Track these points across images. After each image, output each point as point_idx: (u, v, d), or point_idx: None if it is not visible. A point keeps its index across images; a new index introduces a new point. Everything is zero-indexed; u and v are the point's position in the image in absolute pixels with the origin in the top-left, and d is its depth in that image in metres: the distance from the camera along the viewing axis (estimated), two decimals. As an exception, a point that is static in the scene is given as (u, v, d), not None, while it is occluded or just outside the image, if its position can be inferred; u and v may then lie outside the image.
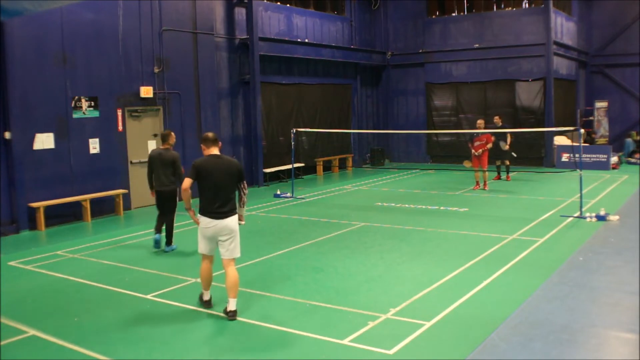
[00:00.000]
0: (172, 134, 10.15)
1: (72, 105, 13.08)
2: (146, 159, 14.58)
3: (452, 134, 22.17)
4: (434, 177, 19.44)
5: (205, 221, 6.82)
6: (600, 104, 24.51)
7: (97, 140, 13.55)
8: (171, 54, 15.22)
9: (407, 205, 13.95)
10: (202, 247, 6.98)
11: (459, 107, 23.10)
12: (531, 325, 6.24)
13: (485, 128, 16.23)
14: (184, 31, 15.57)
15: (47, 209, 12.45)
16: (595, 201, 13.60)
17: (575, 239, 10.07)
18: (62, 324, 6.76)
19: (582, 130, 17.08)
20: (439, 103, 23.63)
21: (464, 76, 22.92)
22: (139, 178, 14.64)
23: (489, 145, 15.80)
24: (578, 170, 12.43)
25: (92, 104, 13.47)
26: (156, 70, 14.84)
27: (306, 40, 20.32)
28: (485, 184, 16.15)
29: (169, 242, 10.11)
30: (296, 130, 16.44)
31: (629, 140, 23.19)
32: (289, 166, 17.66)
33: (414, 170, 21.02)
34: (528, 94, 21.65)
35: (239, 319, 6.68)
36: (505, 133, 16.85)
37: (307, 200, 15.26)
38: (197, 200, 7.08)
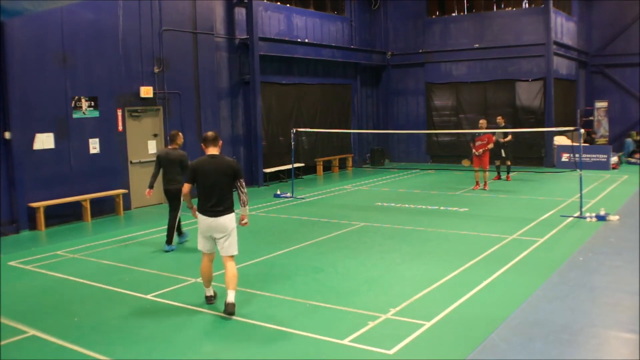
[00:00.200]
0: (180, 134, 10.30)
1: (72, 105, 13.09)
2: (146, 159, 14.79)
3: (452, 134, 22.18)
4: (434, 177, 19.44)
5: (201, 219, 6.99)
6: (600, 104, 24.51)
7: (97, 140, 13.55)
8: (171, 54, 15.23)
9: (407, 205, 13.95)
10: (201, 245, 7.15)
11: (459, 107, 23.10)
12: (531, 325, 6.24)
13: (487, 128, 16.21)
14: (184, 31, 15.57)
15: (47, 209, 12.45)
16: (595, 201, 13.60)
17: (575, 239, 10.07)
18: (62, 324, 6.75)
19: (582, 130, 17.08)
20: (439, 103, 23.62)
21: (464, 76, 22.92)
22: (139, 178, 14.65)
23: (490, 146, 15.80)
24: (578, 170, 12.43)
25: (92, 104, 13.47)
26: (156, 70, 14.84)
27: (306, 40, 20.32)
28: (485, 184, 16.15)
29: (169, 241, 10.12)
30: (296, 130, 16.44)
31: (629, 140, 23.19)
32: (289, 166, 17.66)
33: (414, 170, 21.02)
34: (528, 94, 21.64)
35: (239, 318, 6.68)
36: (504, 134, 16.87)
37: (307, 200, 15.26)
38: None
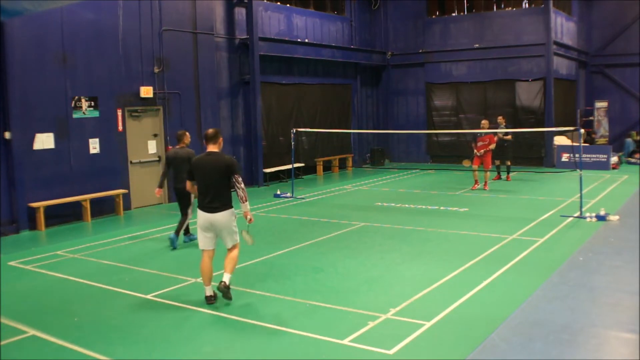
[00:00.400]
0: (187, 133, 10.52)
1: (72, 105, 13.09)
2: (146, 159, 14.81)
3: (452, 134, 22.17)
4: (434, 177, 19.44)
5: (199, 214, 7.20)
6: (600, 104, 24.50)
7: (97, 140, 13.55)
8: (171, 54, 15.22)
9: (407, 205, 13.95)
10: (201, 242, 7.29)
11: (459, 107, 23.10)
12: (531, 325, 6.24)
13: (489, 128, 16.20)
14: (184, 31, 15.57)
15: (47, 209, 12.45)
16: (595, 201, 13.60)
17: (575, 239, 10.07)
18: (62, 324, 6.76)
19: (582, 130, 17.08)
20: (439, 103, 23.62)
21: (464, 76, 22.92)
22: (139, 178, 14.67)
23: (492, 146, 15.80)
24: (578, 170, 12.43)
25: (92, 104, 13.47)
26: (156, 70, 14.84)
27: (306, 40, 20.32)
28: (485, 184, 16.15)
29: (177, 232, 10.29)
30: (296, 130, 16.43)
31: (629, 140, 23.19)
32: (289, 166, 17.66)
33: (414, 170, 21.02)
34: (528, 94, 21.64)
35: (239, 318, 6.69)
36: (505, 133, 16.87)
37: (307, 200, 15.26)
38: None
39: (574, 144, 17.18)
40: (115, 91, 13.94)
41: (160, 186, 10.38)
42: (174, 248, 10.19)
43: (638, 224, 11.00)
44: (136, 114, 14.65)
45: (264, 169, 18.36)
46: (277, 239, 10.71)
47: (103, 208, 13.66)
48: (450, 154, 22.84)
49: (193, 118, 15.86)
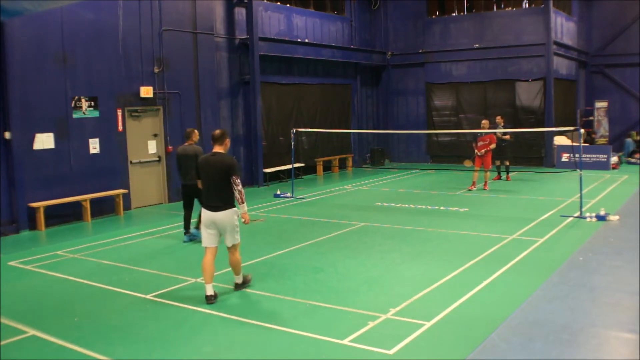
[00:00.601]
0: (196, 131, 10.74)
1: (72, 105, 13.08)
2: (146, 159, 14.82)
3: (452, 134, 22.17)
4: (434, 177, 19.44)
5: (203, 212, 7.46)
6: (600, 104, 24.51)
7: (97, 140, 13.55)
8: (171, 54, 15.22)
9: (407, 205, 13.94)
10: (204, 240, 7.46)
11: (459, 107, 23.10)
12: (531, 325, 6.24)
13: (489, 128, 16.21)
14: (184, 31, 15.57)
15: (47, 209, 12.45)
16: (595, 201, 13.60)
17: (575, 239, 10.07)
18: (62, 324, 6.76)
19: (582, 130, 17.08)
20: (439, 103, 23.62)
21: (464, 76, 22.92)
22: (139, 178, 14.67)
23: (493, 146, 15.80)
24: (578, 170, 12.43)
25: (92, 104, 13.47)
26: (156, 70, 14.84)
27: (306, 40, 20.32)
28: (485, 184, 16.16)
29: (198, 226, 10.49)
30: (296, 130, 16.43)
31: (629, 140, 23.19)
32: (289, 166, 17.66)
33: (414, 170, 21.02)
34: (528, 94, 21.64)
35: (239, 318, 6.69)
36: (503, 133, 16.88)
37: (307, 200, 15.26)
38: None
39: (574, 144, 17.18)
40: (115, 91, 13.94)
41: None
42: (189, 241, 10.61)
43: (638, 224, 11.00)
44: (136, 114, 14.64)
45: (264, 169, 18.36)
46: (277, 239, 10.71)
47: (103, 208, 13.65)
48: (450, 154, 22.84)
49: (193, 118, 15.85)
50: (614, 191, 15.26)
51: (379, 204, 14.38)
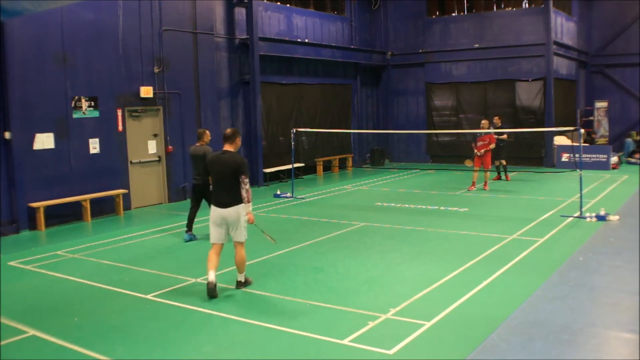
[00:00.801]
0: (207, 132, 10.90)
1: (72, 105, 13.08)
2: (146, 159, 14.85)
3: (452, 134, 22.17)
4: (434, 177, 19.44)
5: (212, 209, 7.63)
6: (600, 104, 24.50)
7: (97, 140, 13.55)
8: (171, 54, 15.22)
9: (407, 205, 13.94)
10: (212, 236, 7.63)
11: (459, 107, 23.10)
12: (531, 325, 6.24)
13: (488, 128, 16.22)
14: (184, 31, 15.57)
15: (47, 209, 12.44)
16: (595, 201, 13.60)
17: (575, 239, 10.07)
18: (62, 324, 6.76)
19: (582, 130, 17.07)
20: (439, 103, 23.62)
21: (464, 76, 22.92)
22: (139, 178, 14.66)
23: (492, 146, 15.80)
24: (578, 170, 12.43)
25: (92, 104, 13.47)
26: (156, 70, 14.84)
27: (306, 40, 20.32)
28: (485, 184, 16.16)
29: (187, 229, 10.80)
30: (296, 130, 16.43)
31: (629, 140, 23.19)
32: (289, 166, 17.66)
33: (414, 170, 21.02)
34: (528, 94, 21.64)
35: (239, 318, 6.69)
36: (500, 133, 16.88)
37: (307, 200, 15.26)
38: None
39: (574, 144, 17.18)
40: (115, 91, 13.94)
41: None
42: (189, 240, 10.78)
43: (638, 224, 11.00)
44: (136, 114, 14.64)
45: (264, 169, 18.36)
46: (277, 239, 10.66)
47: (103, 208, 13.65)
48: (450, 154, 22.84)
49: (193, 118, 15.85)
50: (614, 191, 15.26)
51: (379, 204, 14.38)
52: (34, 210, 12.29)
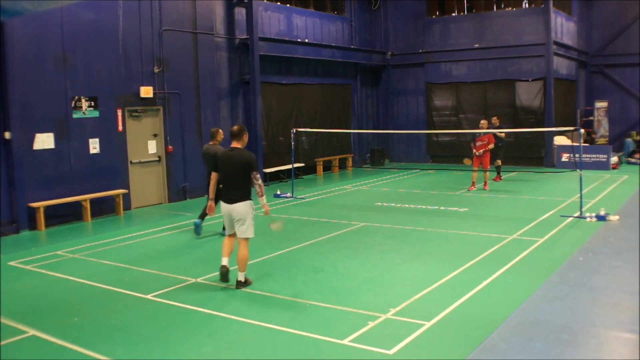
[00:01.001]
0: (220, 131, 11.08)
1: (72, 105, 13.08)
2: (146, 159, 14.86)
3: (452, 134, 22.17)
4: (434, 177, 19.44)
5: (221, 204, 7.84)
6: (600, 104, 24.50)
7: (97, 140, 13.55)
8: (171, 54, 15.22)
9: (407, 205, 13.94)
10: (227, 229, 7.96)
11: (459, 107, 23.10)
12: (531, 325, 6.24)
13: (488, 129, 16.21)
14: (184, 31, 15.57)
15: (47, 209, 12.44)
16: (595, 201, 13.60)
17: (575, 239, 10.07)
18: (62, 324, 6.76)
19: (582, 130, 17.07)
20: (439, 103, 23.62)
21: (464, 76, 22.92)
22: (139, 178, 14.67)
23: (491, 146, 15.79)
24: (578, 170, 12.43)
25: (92, 104, 13.47)
26: (156, 70, 14.84)
27: (306, 40, 20.32)
28: (485, 184, 16.15)
29: (202, 216, 11.00)
30: (296, 130, 16.44)
31: (629, 140, 23.19)
32: (289, 166, 17.66)
33: (414, 170, 21.02)
34: (528, 94, 21.64)
35: (239, 318, 6.69)
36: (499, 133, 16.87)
37: (307, 200, 15.26)
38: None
39: (574, 144, 17.18)
40: (115, 91, 13.94)
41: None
42: (199, 234, 10.95)
43: (638, 224, 11.00)
44: (136, 114, 14.64)
45: (264, 169, 18.36)
46: (277, 239, 10.69)
47: (103, 208, 13.65)
48: (450, 154, 22.84)
49: (193, 118, 15.86)
50: (614, 191, 15.26)
51: (379, 204, 14.38)
52: (34, 210, 12.30)
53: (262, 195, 7.67)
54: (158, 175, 15.23)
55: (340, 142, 22.31)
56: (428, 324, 6.31)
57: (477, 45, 22.47)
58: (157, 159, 15.15)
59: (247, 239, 7.75)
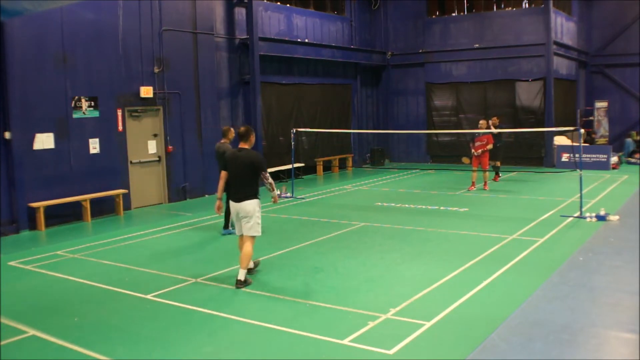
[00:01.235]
0: (232, 129, 11.25)
1: (72, 105, 13.08)
2: (146, 159, 14.88)
3: (452, 134, 22.17)
4: (434, 177, 19.44)
5: (230, 203, 8.06)
6: (600, 104, 24.51)
7: (97, 140, 13.55)
8: (171, 54, 15.22)
9: (407, 205, 13.94)
10: (237, 229, 8.16)
11: (459, 107, 23.10)
12: (531, 325, 6.24)
13: (486, 129, 16.21)
14: (184, 31, 15.57)
15: (47, 209, 12.44)
16: (595, 201, 13.60)
17: (575, 239, 10.07)
18: (62, 324, 6.76)
19: (582, 130, 17.07)
20: (439, 103, 23.62)
21: (464, 76, 22.92)
22: (139, 178, 14.67)
23: (490, 146, 15.79)
24: (578, 170, 12.43)
25: (92, 104, 13.47)
26: (156, 70, 14.84)
27: (306, 40, 20.32)
28: (485, 184, 16.16)
29: (225, 225, 11.18)
30: (296, 130, 16.44)
31: (629, 140, 23.19)
32: (289, 166, 17.66)
33: (414, 170, 21.02)
34: (528, 94, 21.64)
35: (239, 318, 6.69)
36: (498, 133, 16.85)
37: (307, 200, 15.26)
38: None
39: (574, 144, 17.18)
40: (115, 91, 13.94)
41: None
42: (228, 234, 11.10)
43: (638, 224, 11.00)
44: (136, 114, 14.64)
45: (264, 169, 18.32)
46: (277, 239, 10.70)
47: (103, 208, 13.65)
48: (450, 154, 22.84)
49: (193, 118, 15.86)
50: (614, 191, 15.26)
51: (379, 204, 14.38)
52: (34, 210, 12.29)
53: (273, 190, 8.14)
54: (158, 175, 15.23)
55: (340, 142, 22.31)
56: (428, 324, 6.31)
57: (477, 45, 22.47)
58: (157, 159, 15.15)
59: (253, 237, 7.90)
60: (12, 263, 9.60)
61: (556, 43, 21.46)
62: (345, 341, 5.94)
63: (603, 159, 19.90)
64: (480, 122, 16.24)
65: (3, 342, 6.17)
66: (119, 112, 14.07)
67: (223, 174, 8.17)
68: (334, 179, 19.89)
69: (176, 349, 5.94)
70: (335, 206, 14.30)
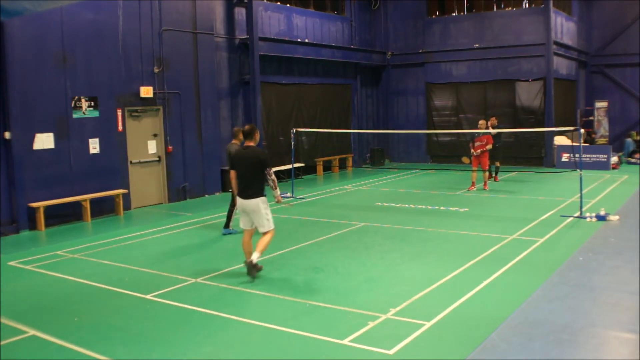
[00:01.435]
0: (242, 130, 11.23)
1: (72, 105, 13.08)
2: (146, 159, 14.88)
3: (452, 134, 22.17)
4: (434, 177, 19.44)
5: (237, 200, 8.31)
6: (600, 104, 24.51)
7: (97, 140, 13.54)
8: (171, 54, 15.22)
9: (407, 205, 13.94)
10: (241, 222, 8.36)
11: (459, 107, 23.10)
12: (531, 325, 6.24)
13: (486, 129, 16.22)
14: (184, 31, 15.57)
15: (47, 209, 12.44)
16: (595, 201, 13.60)
17: (575, 239, 10.06)
18: (62, 324, 6.76)
19: (582, 130, 17.08)
20: (439, 103, 23.62)
21: (464, 76, 22.92)
22: (139, 178, 14.66)
23: (489, 146, 15.79)
24: (578, 170, 12.43)
25: (92, 104, 13.47)
26: (156, 70, 14.84)
27: (306, 40, 20.32)
28: (485, 184, 16.16)
29: (226, 225, 11.23)
30: (296, 130, 16.44)
31: (629, 140, 23.19)
32: (289, 166, 17.66)
33: (414, 170, 21.02)
34: (528, 94, 21.64)
35: (238, 318, 6.69)
36: (497, 133, 16.85)
37: (307, 200, 15.25)
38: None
39: (574, 144, 17.18)
40: (115, 91, 13.94)
41: None
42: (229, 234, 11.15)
43: (638, 224, 10.99)
44: (136, 114, 14.64)
45: (264, 169, 18.33)
46: (277, 239, 10.63)
47: (103, 208, 13.65)
48: (450, 154, 22.84)
49: (193, 118, 15.86)
50: (614, 191, 15.26)
51: (379, 204, 14.38)
52: (34, 210, 12.29)
53: (275, 188, 8.33)
54: (158, 175, 15.23)
55: (340, 142, 22.31)
56: (428, 324, 6.31)
57: (477, 45, 22.47)
58: (157, 159, 15.15)
59: (267, 231, 8.15)
60: (12, 263, 9.60)
61: (556, 43, 21.46)
62: (345, 341, 5.94)
63: (603, 159, 19.90)
64: (480, 122, 16.26)
65: (3, 342, 6.17)
66: (119, 112, 14.07)
67: (232, 173, 8.32)
68: (334, 179, 19.89)
69: (176, 349, 5.94)
70: (335, 206, 14.30)
